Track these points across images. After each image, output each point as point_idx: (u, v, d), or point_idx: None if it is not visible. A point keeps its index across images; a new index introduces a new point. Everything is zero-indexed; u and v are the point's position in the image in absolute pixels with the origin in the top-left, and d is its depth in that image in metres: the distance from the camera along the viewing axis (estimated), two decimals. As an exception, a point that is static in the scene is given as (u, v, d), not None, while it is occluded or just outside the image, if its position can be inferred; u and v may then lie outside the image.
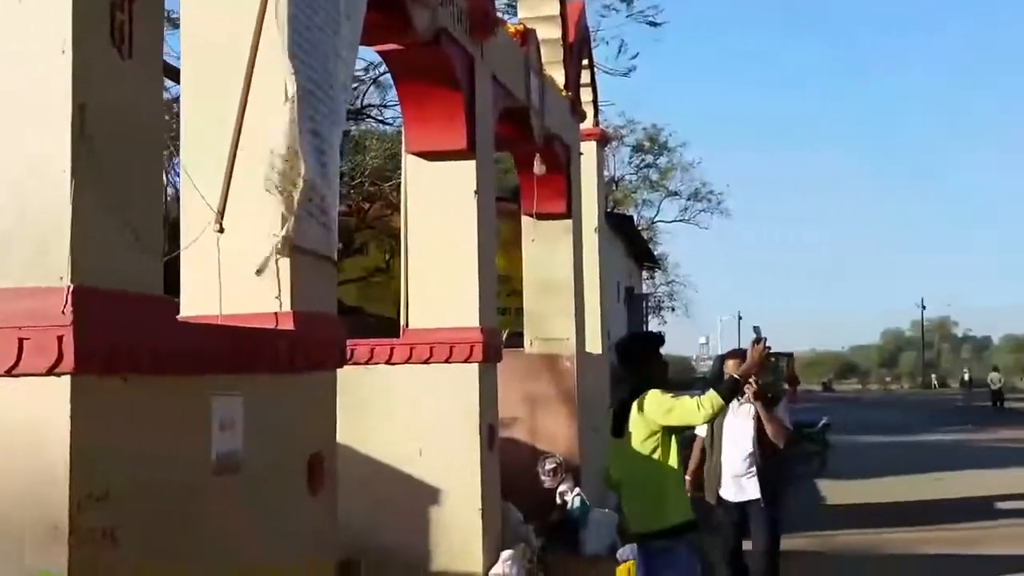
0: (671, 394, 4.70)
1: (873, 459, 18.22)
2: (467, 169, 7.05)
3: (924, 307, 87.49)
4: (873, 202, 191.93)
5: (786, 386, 46.82)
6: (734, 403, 5.63)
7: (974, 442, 22.78)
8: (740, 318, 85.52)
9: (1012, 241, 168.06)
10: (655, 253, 43.22)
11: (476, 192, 7.01)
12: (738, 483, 6.28)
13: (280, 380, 3.77)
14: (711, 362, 54.72)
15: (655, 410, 4.65)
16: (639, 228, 38.57)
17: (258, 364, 3.59)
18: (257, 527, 3.57)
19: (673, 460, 4.70)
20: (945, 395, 56.94)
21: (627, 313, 30.57)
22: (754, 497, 6.23)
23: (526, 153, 9.17)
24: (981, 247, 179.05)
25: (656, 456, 4.66)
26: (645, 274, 43.64)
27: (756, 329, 4.93)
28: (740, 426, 6.26)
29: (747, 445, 6.22)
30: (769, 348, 4.86)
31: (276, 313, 3.87)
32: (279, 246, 3.82)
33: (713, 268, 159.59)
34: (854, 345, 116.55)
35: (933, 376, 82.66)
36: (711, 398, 4.54)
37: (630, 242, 33.55)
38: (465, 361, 6.72)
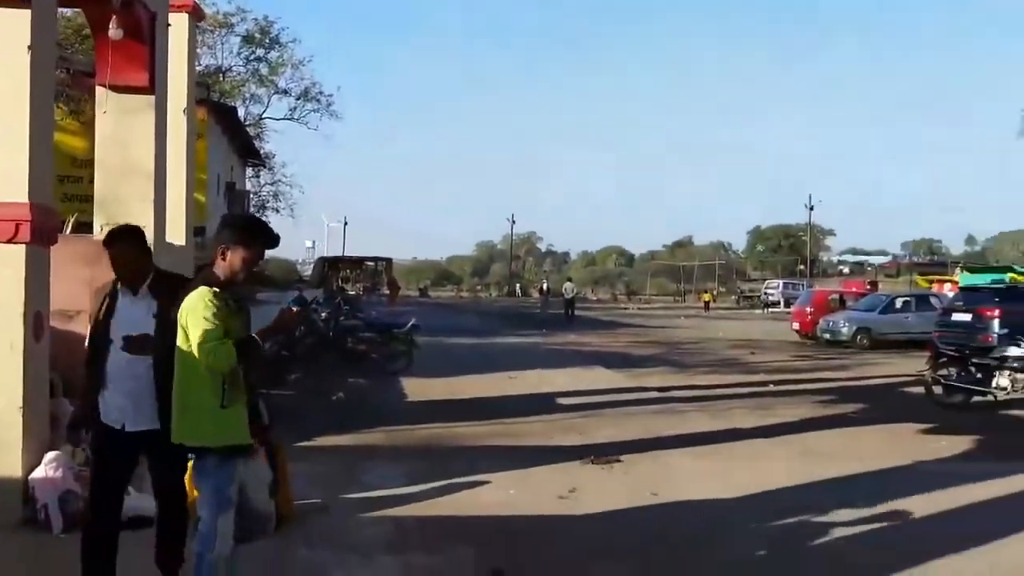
0: (214, 309, 3.93)
1: (457, 359, 19.28)
2: (20, 20, 6.04)
3: (514, 222, 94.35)
4: (478, 117, 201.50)
5: (385, 290, 48.26)
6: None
7: (547, 344, 24.99)
8: (346, 223, 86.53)
9: (587, 170, 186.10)
10: (261, 151, 41.89)
11: (30, 47, 6.04)
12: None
13: None
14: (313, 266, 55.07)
15: (184, 313, 4.00)
16: (246, 123, 37.13)
17: None
18: None
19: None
20: (527, 303, 62.16)
21: (227, 208, 29.44)
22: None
23: (101, 13, 8.12)
24: (566, 170, 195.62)
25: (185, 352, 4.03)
26: (250, 171, 42.23)
27: (301, 299, 4.66)
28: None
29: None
30: (304, 315, 4.51)
31: None
32: None
33: (321, 171, 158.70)
34: (451, 255, 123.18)
35: (518, 286, 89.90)
36: (226, 357, 3.89)
37: (234, 136, 32.14)
38: (9, 241, 5.85)
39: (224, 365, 3.92)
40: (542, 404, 12.71)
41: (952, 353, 13.43)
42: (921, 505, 7.18)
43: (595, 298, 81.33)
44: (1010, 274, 43.55)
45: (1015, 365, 12.77)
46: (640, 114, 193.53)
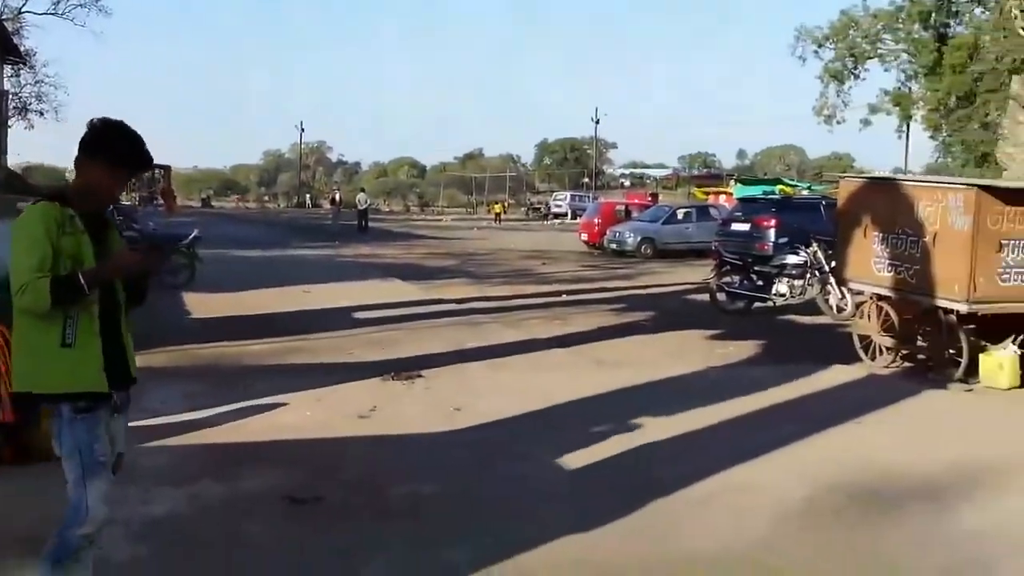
0: (43, 228, 3.15)
1: (244, 273, 18.37)
2: None
3: (303, 130, 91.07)
4: (264, 19, 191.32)
5: (160, 199, 45.45)
6: None
7: (340, 257, 24.35)
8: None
9: (378, 80, 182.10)
10: (21, 47, 37.86)
11: None
12: None
13: None
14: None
15: (12, 232, 3.23)
16: (2, 17, 33.42)
17: None
18: None
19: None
20: (318, 214, 60.48)
21: (-22, 110, 26.50)
22: None
23: None
24: (357, 80, 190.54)
25: None
26: (8, 70, 38.14)
27: (162, 245, 3.58)
28: None
29: None
30: (159, 257, 3.66)
31: None
32: None
33: (90, 71, 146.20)
34: (235, 164, 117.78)
35: (308, 196, 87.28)
36: (35, 296, 3.10)
37: (-15, 28, 28.81)
38: None
39: (35, 305, 3.11)
40: (339, 319, 12.29)
41: (735, 262, 14.07)
42: (715, 412, 7.40)
43: (388, 209, 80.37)
44: (779, 186, 46.47)
45: (793, 272, 13.54)
46: (432, 24, 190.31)
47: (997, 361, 8.48)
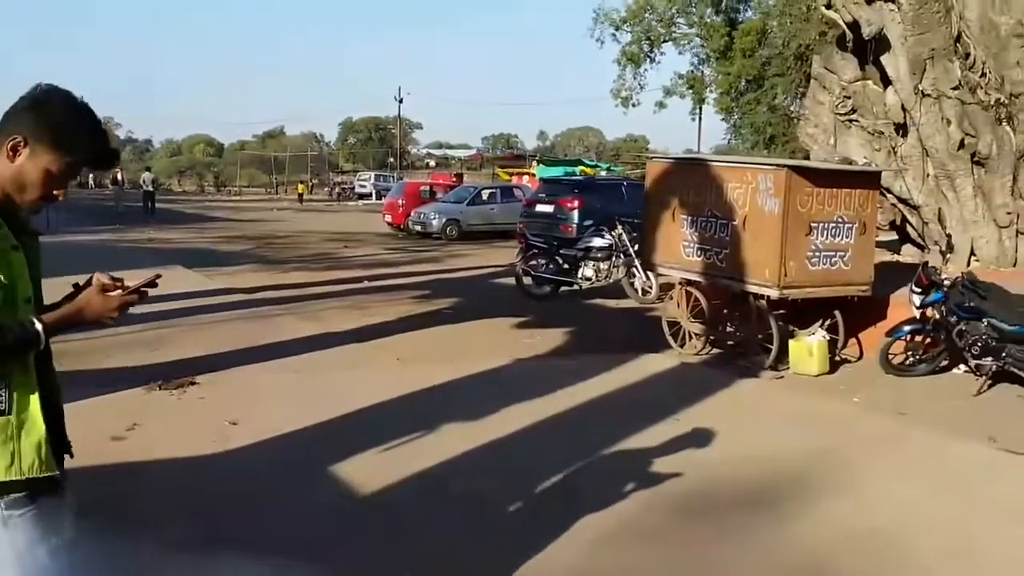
0: None
1: (4, 263, 16.30)
2: None
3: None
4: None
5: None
6: None
7: (122, 242, 22.28)
8: None
9: (167, 53, 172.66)
10: None
11: None
12: None
13: None
14: None
15: None
16: None
17: None
18: None
19: None
20: (101, 195, 56.19)
21: None
22: None
23: None
24: (144, 52, 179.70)
25: None
26: None
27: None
28: None
29: None
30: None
31: None
32: None
33: None
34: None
35: (91, 176, 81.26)
36: None
37: None
38: None
39: None
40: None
41: (540, 245, 13.62)
42: (522, 412, 6.81)
43: (180, 189, 76.13)
44: (580, 167, 47.37)
45: (598, 256, 13.24)
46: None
47: (806, 347, 8.35)
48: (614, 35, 50.24)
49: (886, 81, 11.06)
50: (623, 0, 54.15)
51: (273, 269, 16.90)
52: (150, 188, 35.86)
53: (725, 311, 9.26)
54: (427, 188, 31.19)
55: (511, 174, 49.64)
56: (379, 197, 53.55)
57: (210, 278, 15.04)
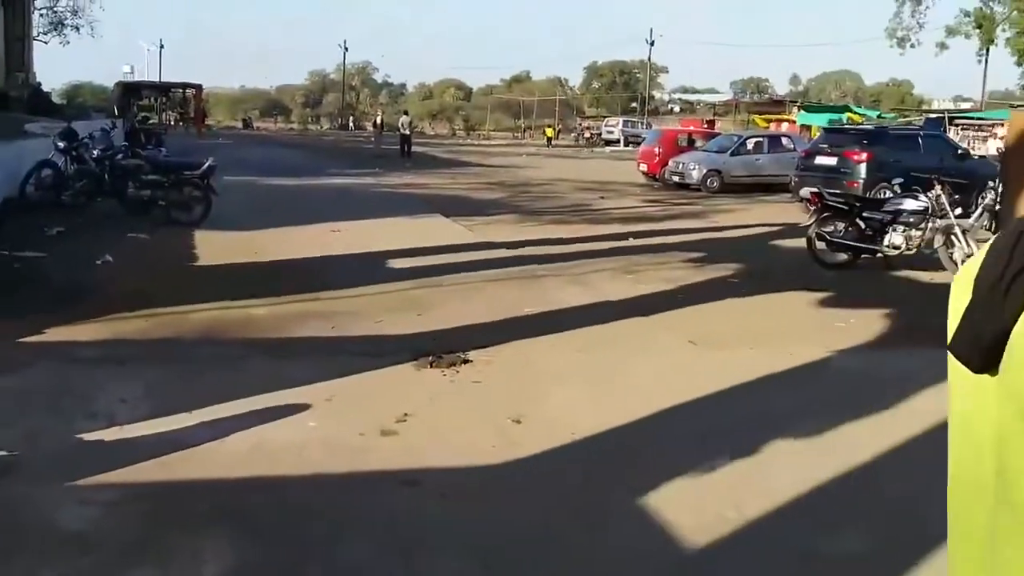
0: None
1: (270, 205, 16.49)
2: None
3: (347, 49, 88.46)
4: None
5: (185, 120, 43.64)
6: None
7: (380, 187, 22.37)
8: (162, 47, 78.57)
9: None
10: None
11: None
12: None
13: None
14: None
15: None
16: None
17: None
18: None
19: None
20: (360, 137, 58.42)
21: (2, 19, 24.69)
22: None
23: None
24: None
25: None
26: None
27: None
28: None
29: None
30: None
31: None
32: None
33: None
34: (281, 84, 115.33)
35: (351, 118, 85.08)
36: None
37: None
38: None
39: None
40: (369, 268, 10.38)
41: (839, 206, 11.74)
42: (872, 429, 5.36)
43: (433, 133, 78.09)
44: (848, 113, 43.59)
45: (911, 220, 11.26)
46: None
47: None
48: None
49: None
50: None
51: (529, 221, 16.08)
52: (407, 132, 36.32)
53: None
54: (685, 136, 29.44)
55: (769, 121, 46.67)
56: (627, 144, 52.18)
57: (470, 229, 14.38)
